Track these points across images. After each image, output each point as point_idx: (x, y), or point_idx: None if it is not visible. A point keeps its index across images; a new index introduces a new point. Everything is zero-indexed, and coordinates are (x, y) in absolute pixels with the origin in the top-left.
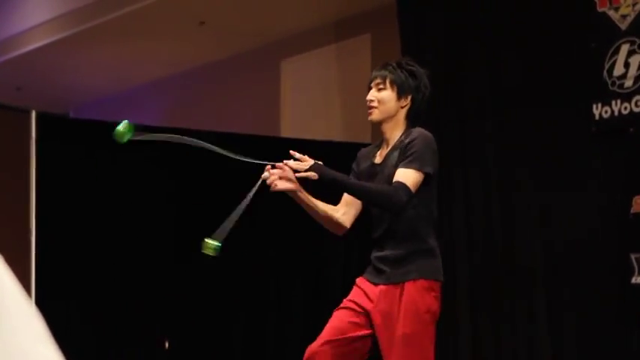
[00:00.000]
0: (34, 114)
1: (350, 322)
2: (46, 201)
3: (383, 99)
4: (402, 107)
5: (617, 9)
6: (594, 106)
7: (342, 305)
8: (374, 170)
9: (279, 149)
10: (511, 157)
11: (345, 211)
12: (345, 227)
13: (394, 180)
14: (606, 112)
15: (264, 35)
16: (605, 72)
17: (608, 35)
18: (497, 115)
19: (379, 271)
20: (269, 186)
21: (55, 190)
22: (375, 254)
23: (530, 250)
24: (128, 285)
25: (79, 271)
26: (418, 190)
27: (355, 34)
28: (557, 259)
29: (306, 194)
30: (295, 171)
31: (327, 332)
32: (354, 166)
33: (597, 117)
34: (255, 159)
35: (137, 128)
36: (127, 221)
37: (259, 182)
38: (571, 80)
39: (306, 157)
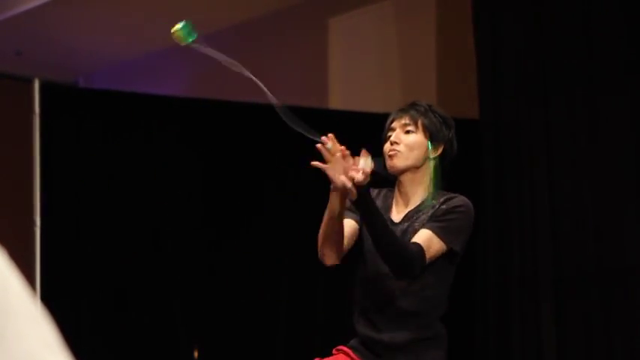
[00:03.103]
0: (37, 83)
1: None
2: (52, 187)
3: (412, 144)
4: (432, 159)
5: None
6: None
7: None
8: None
9: (326, 123)
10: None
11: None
12: (340, 256)
13: (413, 239)
14: None
15: None
16: None
17: None
18: (590, 89)
19: (376, 355)
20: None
21: (62, 173)
22: (367, 333)
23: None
24: (148, 283)
25: (91, 267)
26: (440, 268)
27: None
28: None
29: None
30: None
31: None
32: (353, 208)
33: None
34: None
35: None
36: (148, 209)
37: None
38: None
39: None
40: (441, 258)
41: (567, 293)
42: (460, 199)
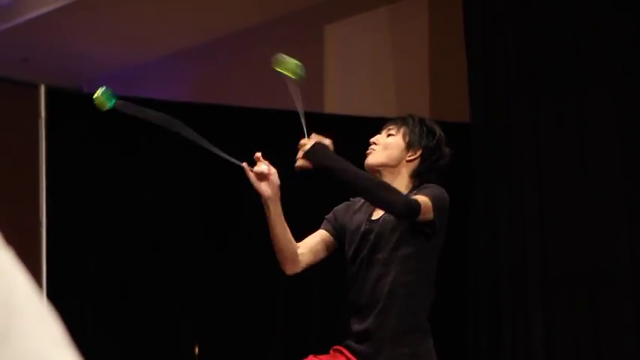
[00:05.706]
0: (42, 89)
1: None
2: (58, 189)
3: (387, 144)
4: (408, 161)
5: None
6: None
7: None
8: (370, 227)
9: (322, 127)
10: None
11: (303, 252)
12: (299, 266)
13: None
14: None
15: None
16: None
17: None
18: (580, 92)
19: (365, 350)
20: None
21: (68, 176)
22: (357, 327)
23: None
24: (151, 282)
25: (96, 267)
26: (420, 249)
27: None
28: None
29: (279, 207)
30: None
31: None
32: (330, 219)
33: None
34: (296, 137)
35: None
36: (151, 211)
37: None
38: None
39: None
40: (419, 233)
41: (556, 293)
42: (433, 184)
